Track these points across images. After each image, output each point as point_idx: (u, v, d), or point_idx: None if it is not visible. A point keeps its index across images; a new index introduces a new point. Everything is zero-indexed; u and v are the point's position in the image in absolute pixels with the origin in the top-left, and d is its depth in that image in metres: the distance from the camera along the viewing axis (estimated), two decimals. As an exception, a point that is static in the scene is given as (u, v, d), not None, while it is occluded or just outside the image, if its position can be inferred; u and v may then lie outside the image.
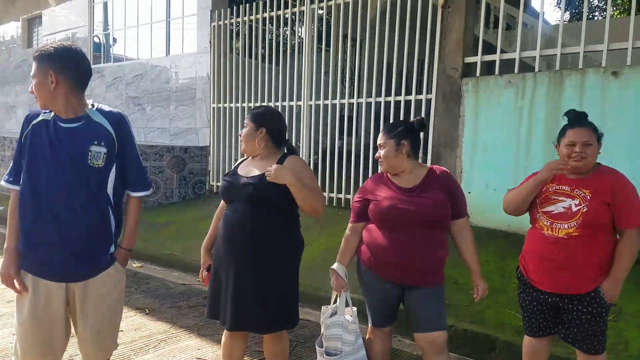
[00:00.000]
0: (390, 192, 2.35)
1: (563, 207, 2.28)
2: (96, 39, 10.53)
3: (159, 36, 9.36)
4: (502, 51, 5.01)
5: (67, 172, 1.95)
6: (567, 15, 17.01)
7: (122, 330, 3.51)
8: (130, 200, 2.20)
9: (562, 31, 4.58)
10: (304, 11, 6.55)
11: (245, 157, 2.57)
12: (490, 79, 4.88)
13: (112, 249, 2.11)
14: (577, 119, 2.35)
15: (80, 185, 1.97)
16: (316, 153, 6.77)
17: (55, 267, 1.99)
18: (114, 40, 10.72)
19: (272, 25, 6.96)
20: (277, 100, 6.96)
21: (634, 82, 4.05)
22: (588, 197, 2.23)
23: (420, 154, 5.44)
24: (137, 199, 2.19)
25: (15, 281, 2.00)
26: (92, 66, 10.36)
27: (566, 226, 2.25)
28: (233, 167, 2.56)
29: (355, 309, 2.44)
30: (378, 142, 2.44)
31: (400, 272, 2.29)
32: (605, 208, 2.20)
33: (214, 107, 7.86)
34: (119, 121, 2.08)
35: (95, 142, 1.99)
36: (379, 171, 2.57)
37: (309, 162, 6.63)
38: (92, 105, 2.07)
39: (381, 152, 2.40)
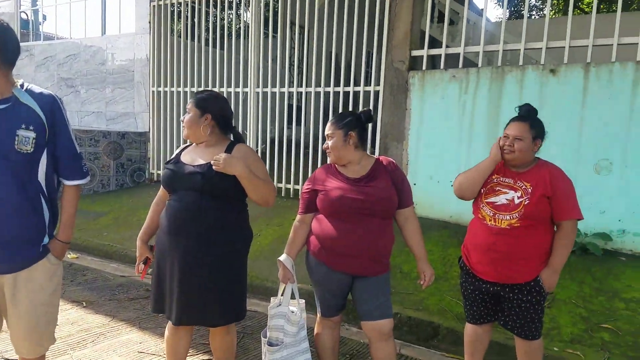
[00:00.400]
0: (338, 182, 2.34)
1: (506, 199, 2.37)
2: (23, 15, 9.78)
3: (94, 14, 8.82)
4: (447, 46, 5.11)
5: None
6: (507, 14, 17.72)
7: (57, 325, 3.32)
8: (65, 190, 2.05)
9: (504, 29, 4.75)
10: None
11: (188, 143, 2.46)
12: (435, 72, 4.98)
13: (45, 240, 1.96)
14: (521, 113, 2.45)
15: (6, 171, 1.81)
16: (264, 142, 6.67)
17: None
18: (44, 17, 10.01)
19: (215, 7, 6.73)
20: (221, 86, 6.77)
21: (570, 79, 4.26)
22: (529, 190, 2.32)
23: (368, 146, 5.58)
24: (73, 188, 2.04)
25: None
26: (21, 44, 9.71)
27: (508, 217, 2.33)
28: (175, 153, 2.43)
29: (303, 301, 2.42)
30: (326, 133, 2.41)
31: (350, 262, 2.29)
32: (545, 201, 2.30)
33: (153, 91, 7.54)
34: (50, 104, 1.92)
35: (23, 126, 1.83)
36: (328, 162, 2.54)
37: (257, 151, 6.51)
38: (21, 86, 1.90)
39: (329, 143, 2.37)
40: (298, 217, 2.46)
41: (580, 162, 4.10)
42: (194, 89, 6.99)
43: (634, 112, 4.01)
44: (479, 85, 4.73)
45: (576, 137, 4.17)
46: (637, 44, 4.08)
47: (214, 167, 2.14)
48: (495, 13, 21.67)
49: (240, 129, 6.51)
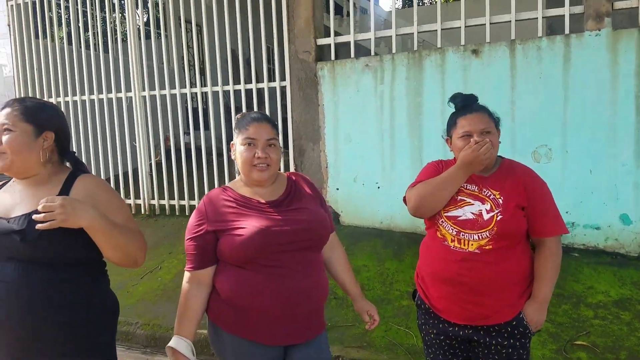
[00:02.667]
0: (250, 211, 1.65)
1: (472, 213, 1.78)
2: None
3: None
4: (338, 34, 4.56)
5: None
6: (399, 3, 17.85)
7: None
8: None
9: (416, 10, 4.30)
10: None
11: (1, 182, 1.66)
12: (346, 62, 4.43)
13: None
14: (466, 103, 1.89)
15: None
16: (158, 153, 5.78)
17: None
18: None
19: (84, 5, 5.71)
20: (100, 92, 5.74)
21: (495, 59, 3.89)
22: (500, 200, 1.77)
23: (281, 149, 4.94)
24: None
25: None
26: None
27: (477, 237, 1.76)
28: None
29: None
30: (253, 136, 1.68)
31: (286, 328, 1.63)
32: (520, 213, 1.77)
33: (21, 105, 6.30)
34: None
35: None
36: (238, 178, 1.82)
37: (150, 164, 5.61)
38: None
39: (260, 151, 1.66)
40: (188, 275, 1.68)
41: (517, 151, 3.71)
42: (69, 99, 5.89)
43: (569, 90, 3.71)
44: (395, 74, 4.24)
45: (509, 123, 3.80)
46: (564, 15, 3.78)
47: (44, 220, 1.35)
48: (388, 3, 21.81)
49: (127, 139, 5.58)
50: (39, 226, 1.35)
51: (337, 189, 4.54)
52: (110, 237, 1.48)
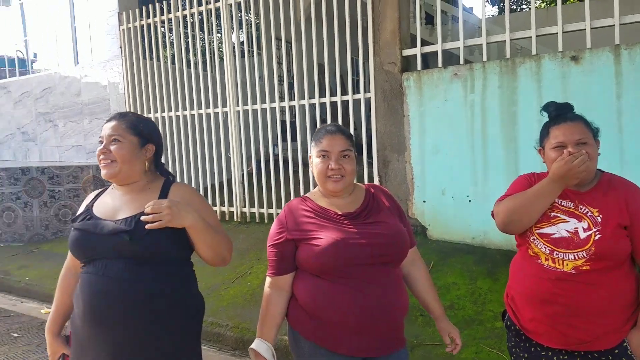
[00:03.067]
0: (328, 222, 1.66)
1: (567, 231, 1.65)
2: (19, 54, 9.24)
3: (66, 45, 8.27)
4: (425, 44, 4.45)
5: None
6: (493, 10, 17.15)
7: None
8: None
9: (509, 19, 4.10)
10: (219, 7, 5.78)
11: (100, 190, 1.82)
12: (433, 72, 4.33)
13: None
14: (560, 112, 1.76)
15: None
16: (249, 165, 6.04)
17: None
18: (34, 54, 9.46)
19: (186, 27, 6.18)
20: (199, 107, 6.15)
21: (597, 66, 3.59)
22: (598, 218, 1.62)
23: (365, 159, 4.94)
24: None
25: None
26: None
27: (572, 257, 1.62)
28: (84, 205, 1.76)
29: None
30: (327, 149, 1.71)
31: (364, 339, 1.61)
32: (622, 233, 1.61)
33: (131, 120, 6.92)
34: None
35: None
36: (315, 190, 1.84)
37: (242, 174, 5.90)
38: None
39: (344, 165, 1.69)
40: (269, 280, 1.73)
41: (626, 165, 3.37)
42: (172, 114, 6.39)
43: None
44: (486, 83, 4.07)
45: (615, 134, 3.47)
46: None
47: (152, 221, 1.50)
48: (485, 10, 21.02)
49: (222, 152, 5.92)
50: (148, 226, 1.50)
51: (424, 201, 4.43)
52: (207, 237, 1.61)
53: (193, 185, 6.32)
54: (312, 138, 1.79)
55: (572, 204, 1.68)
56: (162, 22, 6.34)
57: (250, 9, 5.65)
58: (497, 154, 4.00)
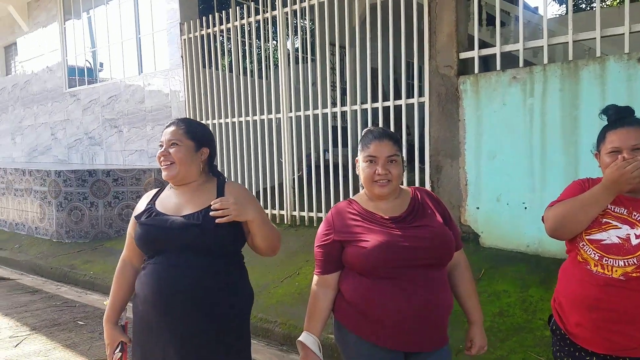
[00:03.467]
0: (374, 225, 1.70)
1: (618, 237, 1.61)
2: (87, 64, 9.90)
3: (131, 54, 8.77)
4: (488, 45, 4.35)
5: None
6: (561, 9, 16.53)
7: None
8: None
9: (571, 17, 3.96)
10: (276, 15, 5.94)
11: (156, 190, 1.94)
12: (491, 75, 4.23)
13: None
14: (619, 116, 1.71)
15: None
16: (300, 169, 6.13)
17: None
18: (101, 64, 10.09)
19: (243, 36, 6.39)
20: (254, 113, 6.33)
21: (668, 67, 3.41)
22: None
23: (417, 165, 4.89)
24: None
25: None
26: (68, 90, 10.06)
27: (622, 263, 1.58)
28: (144, 203, 1.89)
29: None
30: (376, 154, 1.73)
31: (406, 336, 1.64)
32: None
33: (190, 126, 7.20)
34: None
35: None
36: (360, 193, 1.87)
37: (293, 179, 6.00)
38: None
39: (391, 170, 1.72)
40: (316, 279, 1.79)
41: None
42: (229, 120, 6.61)
43: None
44: (547, 86, 3.93)
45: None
46: None
47: (221, 216, 1.67)
48: (552, 10, 20.28)
49: (274, 157, 6.05)
50: (218, 220, 1.67)
51: (478, 208, 4.32)
52: (264, 229, 1.78)
53: (247, 187, 6.48)
54: (360, 142, 1.82)
55: (626, 210, 1.65)
56: (221, 31, 6.59)
57: (305, 16, 5.74)
58: (556, 159, 3.84)
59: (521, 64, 4.16)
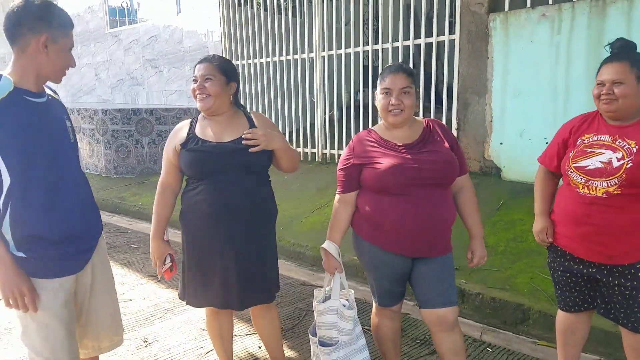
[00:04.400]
0: (387, 151, 1.97)
1: (601, 162, 1.86)
2: (124, 4, 10.16)
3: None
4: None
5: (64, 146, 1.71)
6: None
7: (131, 299, 3.50)
8: None
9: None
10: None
11: (189, 121, 2.18)
12: (521, 12, 4.28)
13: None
14: (616, 51, 1.89)
15: (77, 161, 1.77)
16: (331, 109, 6.35)
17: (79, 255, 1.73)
18: (138, 4, 10.31)
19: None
20: (287, 53, 6.51)
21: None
22: (634, 149, 1.80)
23: (445, 102, 5.04)
24: None
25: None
26: (110, 30, 10.41)
27: (605, 184, 1.83)
28: (184, 132, 2.11)
29: (352, 292, 2.12)
30: (400, 87, 1.95)
31: (411, 243, 1.95)
32: None
33: (226, 65, 7.46)
34: None
35: (65, 117, 1.77)
36: (375, 125, 2.16)
37: (325, 118, 6.25)
38: None
39: (404, 100, 1.96)
40: (338, 196, 2.11)
41: None
42: (265, 60, 6.82)
43: None
44: (574, 24, 3.97)
45: None
46: None
47: (255, 145, 2.00)
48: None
49: (307, 96, 6.28)
50: (251, 149, 1.99)
51: (501, 143, 4.50)
52: (289, 153, 2.13)
53: (280, 127, 6.81)
54: (379, 77, 2.06)
55: (611, 137, 1.87)
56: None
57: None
58: (579, 97, 3.94)
59: (551, 1, 4.17)
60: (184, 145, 2.07)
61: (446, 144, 2.00)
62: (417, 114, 2.15)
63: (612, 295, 1.92)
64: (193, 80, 2.07)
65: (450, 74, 4.87)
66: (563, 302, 2.14)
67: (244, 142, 1.98)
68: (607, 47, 1.97)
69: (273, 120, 6.84)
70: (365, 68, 5.91)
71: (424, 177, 1.91)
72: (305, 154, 6.37)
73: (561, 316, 2.19)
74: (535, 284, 3.09)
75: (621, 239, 1.83)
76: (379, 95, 2.02)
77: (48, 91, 1.73)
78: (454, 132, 4.85)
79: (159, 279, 2.62)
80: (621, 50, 1.89)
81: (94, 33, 10.61)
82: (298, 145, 6.49)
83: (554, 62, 4.11)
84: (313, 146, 6.35)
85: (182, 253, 2.18)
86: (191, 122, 2.14)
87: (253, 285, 2.09)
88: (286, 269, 4.04)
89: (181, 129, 2.13)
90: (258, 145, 1.99)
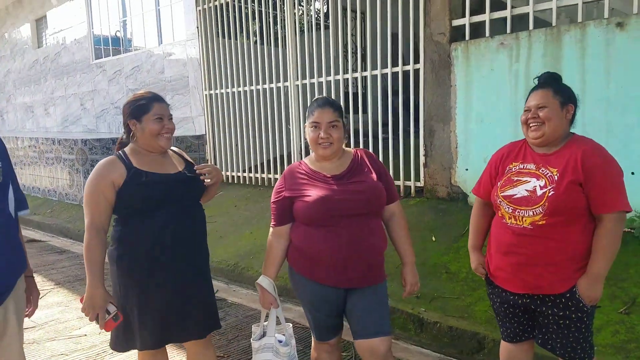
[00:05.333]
0: (317, 182, 2.01)
1: (526, 190, 1.88)
2: (118, 34, 10.28)
3: (152, 26, 9.09)
4: (494, 9, 4.43)
5: None
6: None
7: (85, 335, 3.42)
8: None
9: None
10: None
11: (116, 155, 2.11)
12: (480, 42, 4.38)
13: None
14: (542, 81, 1.97)
15: None
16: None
17: None
18: (125, 35, 10.42)
19: (253, 3, 6.60)
20: (264, 82, 6.62)
21: (640, 32, 3.50)
22: (555, 177, 1.83)
23: (412, 129, 5.10)
24: (18, 219, 1.92)
25: None
26: (95, 61, 10.53)
27: (531, 213, 1.85)
28: (124, 168, 2.04)
29: (290, 325, 2.12)
30: (327, 120, 1.99)
31: (342, 274, 1.97)
32: (577, 189, 1.79)
33: (206, 94, 7.57)
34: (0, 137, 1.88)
35: None
36: (313, 155, 2.16)
37: (300, 146, 6.31)
38: None
39: (332, 133, 2.00)
40: (271, 230, 2.13)
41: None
42: (243, 89, 6.92)
43: None
44: (531, 52, 4.07)
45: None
46: None
47: (207, 179, 2.14)
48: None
49: (283, 124, 6.35)
50: (207, 182, 2.15)
51: (467, 169, 4.55)
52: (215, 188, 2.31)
53: (258, 154, 6.88)
54: (307, 111, 2.11)
55: (535, 165, 1.91)
56: (234, 1, 6.81)
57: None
58: (540, 122, 4.01)
59: (508, 30, 4.28)
60: (129, 180, 1.99)
61: (373, 174, 2.03)
62: (348, 145, 2.18)
63: (548, 325, 1.93)
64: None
65: (415, 102, 4.94)
66: (505, 332, 2.14)
67: (201, 177, 2.11)
68: (535, 80, 2.03)
69: (252, 148, 6.92)
70: (346, 94, 5.99)
71: (351, 207, 1.94)
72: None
73: (504, 346, 2.19)
74: (492, 312, 3.09)
75: (548, 268, 1.84)
76: (307, 129, 2.07)
77: None
78: (422, 158, 4.91)
79: (83, 331, 2.40)
80: (546, 80, 1.96)
81: (80, 64, 10.75)
82: (275, 173, 6.53)
83: (514, 89, 4.19)
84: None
85: (121, 299, 2.07)
86: (120, 158, 2.05)
87: (187, 318, 2.08)
88: (250, 299, 4.00)
89: (114, 165, 2.03)
90: (212, 177, 2.14)
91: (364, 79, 5.52)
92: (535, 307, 1.94)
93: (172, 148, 2.23)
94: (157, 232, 2.02)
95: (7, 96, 13.79)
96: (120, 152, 2.10)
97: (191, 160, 2.26)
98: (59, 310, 4.00)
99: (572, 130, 1.96)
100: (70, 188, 8.07)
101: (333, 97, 5.92)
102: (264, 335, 2.06)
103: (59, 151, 8.15)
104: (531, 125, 1.91)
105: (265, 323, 2.10)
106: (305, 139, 5.86)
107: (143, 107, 2.05)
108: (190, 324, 2.08)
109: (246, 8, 6.77)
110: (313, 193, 1.97)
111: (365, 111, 5.61)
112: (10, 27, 13.18)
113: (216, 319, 2.20)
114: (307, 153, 6.12)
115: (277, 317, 2.07)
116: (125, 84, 9.59)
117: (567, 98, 1.89)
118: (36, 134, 10.82)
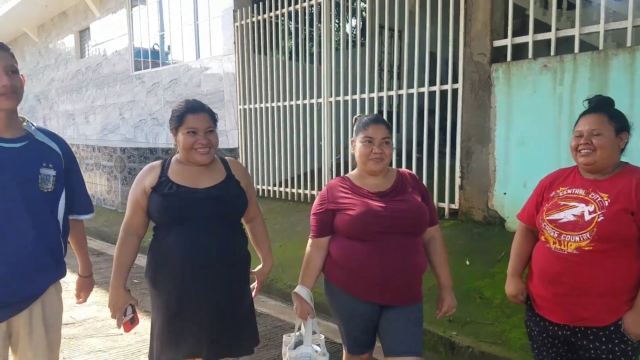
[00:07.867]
0: (360, 198, 1.98)
1: (573, 215, 1.79)
2: (156, 47, 10.58)
3: (190, 40, 9.32)
4: (536, 31, 4.36)
5: (12, 198, 1.68)
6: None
7: (121, 334, 3.46)
8: (78, 225, 2.07)
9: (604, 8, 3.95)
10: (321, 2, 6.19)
11: (163, 161, 2.09)
12: (523, 63, 4.30)
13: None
14: (594, 105, 1.88)
15: (25, 214, 1.70)
16: (338, 153, 6.40)
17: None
18: (164, 49, 10.73)
19: (296, 21, 6.68)
20: (297, 98, 6.67)
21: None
22: (606, 203, 1.73)
23: (448, 151, 5.02)
24: (82, 222, 2.08)
25: None
26: (134, 73, 10.85)
27: (577, 238, 1.75)
28: (157, 175, 2.01)
29: (323, 336, 2.09)
30: (381, 137, 2.00)
31: (381, 290, 1.94)
32: (628, 218, 1.70)
33: (240, 109, 7.66)
34: (64, 141, 1.90)
35: (44, 164, 1.77)
36: (353, 171, 2.15)
37: (331, 162, 6.31)
38: (30, 124, 1.83)
39: (384, 149, 2.01)
40: (310, 241, 2.10)
41: None
42: (277, 104, 6.98)
43: None
44: (577, 75, 3.97)
45: None
46: None
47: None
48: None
49: (315, 140, 6.36)
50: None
51: (505, 193, 4.43)
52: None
53: (289, 169, 6.90)
54: (357, 126, 2.08)
55: (584, 191, 1.82)
56: (271, 17, 6.92)
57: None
58: (583, 147, 3.88)
59: (552, 52, 4.19)
60: (155, 188, 1.95)
61: (417, 195, 2.02)
62: (390, 164, 2.15)
63: (589, 359, 1.82)
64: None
65: (453, 122, 4.87)
66: (540, 362, 2.03)
67: (254, 293, 2.15)
68: (585, 103, 1.96)
69: (283, 162, 6.94)
70: (380, 113, 5.97)
71: (395, 225, 1.92)
72: (313, 196, 6.39)
73: (540, 379, 2.07)
74: (527, 340, 2.95)
75: (594, 299, 1.74)
76: (358, 144, 2.04)
77: (42, 137, 1.80)
78: (457, 180, 4.81)
79: (120, 331, 2.47)
80: (599, 104, 1.88)
81: (120, 75, 11.08)
82: (305, 188, 6.52)
83: (557, 113, 4.08)
84: (320, 189, 6.37)
85: (154, 313, 2.04)
86: (163, 164, 2.02)
87: (229, 335, 2.02)
88: (279, 311, 3.98)
89: (152, 171, 2.00)
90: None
91: (399, 97, 5.48)
92: (576, 340, 1.82)
93: (226, 158, 2.12)
94: (171, 249, 1.92)
95: (50, 103, 14.32)
96: (168, 159, 2.06)
97: (237, 179, 2.07)
98: (97, 309, 4.12)
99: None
100: (108, 194, 8.24)
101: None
102: (299, 344, 2.03)
103: (99, 158, 8.36)
104: (581, 151, 1.82)
105: (298, 333, 2.07)
106: (338, 155, 5.81)
107: (177, 119, 1.98)
108: (230, 341, 2.03)
109: (282, 25, 6.86)
110: (357, 208, 1.95)
111: (399, 130, 5.56)
112: (55, 37, 13.72)
113: (256, 335, 2.15)
114: (338, 169, 6.23)
115: (313, 327, 2.03)
116: (163, 96, 9.81)
117: (622, 125, 1.80)
118: (76, 140, 11.15)
